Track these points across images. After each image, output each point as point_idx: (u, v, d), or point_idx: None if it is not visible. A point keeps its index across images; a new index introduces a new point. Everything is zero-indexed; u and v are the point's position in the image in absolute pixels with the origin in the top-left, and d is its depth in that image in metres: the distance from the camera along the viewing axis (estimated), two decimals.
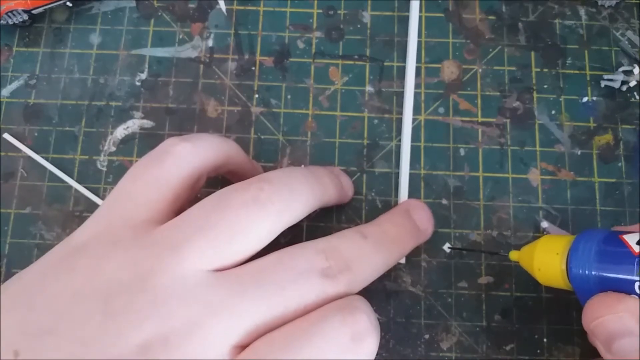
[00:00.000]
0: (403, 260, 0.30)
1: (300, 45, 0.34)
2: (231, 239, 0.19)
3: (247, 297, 0.18)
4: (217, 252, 0.18)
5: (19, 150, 0.32)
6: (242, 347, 0.18)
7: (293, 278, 0.19)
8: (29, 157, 0.32)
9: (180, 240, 0.18)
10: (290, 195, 0.21)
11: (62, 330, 0.16)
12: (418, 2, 0.34)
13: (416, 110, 0.32)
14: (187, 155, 0.21)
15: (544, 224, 0.30)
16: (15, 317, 0.16)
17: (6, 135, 0.32)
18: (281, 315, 0.18)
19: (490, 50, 0.33)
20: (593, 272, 0.22)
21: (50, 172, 0.31)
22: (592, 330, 0.22)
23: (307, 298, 0.19)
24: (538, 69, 0.33)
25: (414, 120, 0.32)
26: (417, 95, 0.33)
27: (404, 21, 0.34)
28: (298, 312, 0.18)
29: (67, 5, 0.34)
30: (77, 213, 0.31)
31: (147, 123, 0.32)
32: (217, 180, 0.30)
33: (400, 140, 0.32)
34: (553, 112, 0.32)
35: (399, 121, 0.32)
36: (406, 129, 0.32)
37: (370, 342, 0.19)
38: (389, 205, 0.31)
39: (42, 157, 0.32)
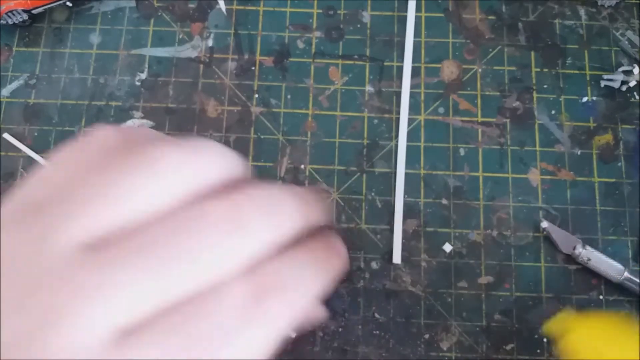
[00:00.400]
0: (398, 261, 0.30)
1: (300, 45, 0.34)
2: (115, 205, 0.17)
3: (125, 269, 0.16)
4: (96, 223, 0.17)
5: (19, 150, 0.32)
6: (128, 331, 0.16)
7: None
8: (29, 157, 0.32)
9: (57, 212, 0.17)
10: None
11: None
12: (415, 2, 0.34)
13: (416, 110, 0.32)
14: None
15: (544, 224, 0.30)
16: None
17: (6, 135, 0.32)
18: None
19: (490, 50, 0.33)
20: None
21: None
22: None
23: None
24: (538, 69, 0.33)
25: (414, 120, 0.32)
26: (417, 95, 0.33)
27: (404, 21, 0.34)
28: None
29: (67, 5, 0.34)
30: None
31: (147, 123, 0.32)
32: None
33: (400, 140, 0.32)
34: (553, 112, 0.32)
35: (399, 121, 0.32)
36: (402, 128, 0.32)
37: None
38: (389, 204, 0.31)
39: (42, 156, 0.32)
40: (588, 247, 0.29)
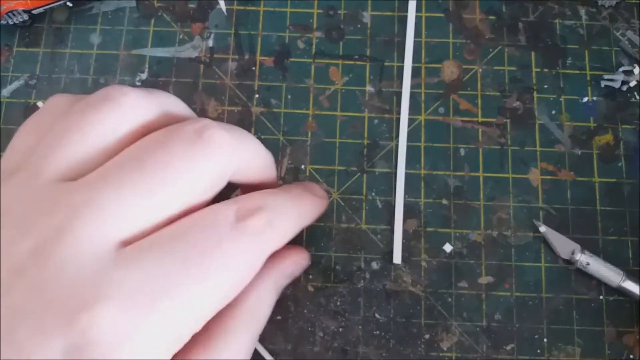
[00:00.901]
0: (399, 261, 0.30)
1: (301, 45, 0.34)
2: (84, 140, 0.18)
3: (108, 186, 0.17)
4: (73, 157, 0.18)
5: None
6: (127, 242, 0.17)
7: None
8: None
9: (36, 158, 0.18)
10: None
11: None
12: (415, 2, 0.34)
13: (416, 110, 0.33)
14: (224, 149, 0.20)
15: (542, 229, 0.30)
16: None
17: (40, 104, 0.32)
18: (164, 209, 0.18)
19: (491, 50, 0.33)
20: None
21: None
22: None
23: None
24: (538, 69, 0.33)
25: (414, 120, 0.32)
26: (417, 96, 0.33)
27: (404, 21, 0.34)
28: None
29: (68, 6, 0.34)
30: None
31: None
32: None
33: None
34: (553, 112, 0.32)
35: (399, 121, 0.32)
36: (403, 128, 0.32)
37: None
38: (389, 204, 0.31)
39: None
40: (587, 252, 0.29)
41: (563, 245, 0.30)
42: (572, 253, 0.29)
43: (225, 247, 0.18)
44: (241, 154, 0.21)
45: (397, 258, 0.30)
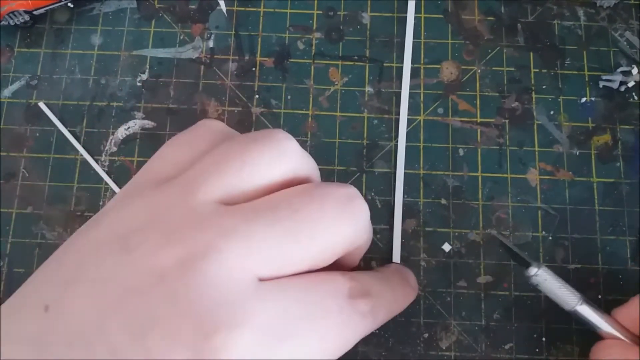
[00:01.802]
0: (398, 260, 0.30)
1: (301, 46, 0.34)
2: (242, 170, 0.19)
3: (260, 222, 0.18)
4: (230, 184, 0.19)
5: (20, 150, 0.32)
6: (264, 278, 0.18)
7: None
8: (31, 157, 0.32)
9: (193, 176, 0.19)
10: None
11: (84, 275, 0.16)
12: (414, 3, 0.34)
13: (415, 110, 0.33)
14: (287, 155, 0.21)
15: (534, 277, 0.26)
16: (47, 274, 0.17)
17: (41, 104, 0.33)
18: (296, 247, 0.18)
19: (489, 51, 0.34)
20: None
21: (52, 172, 0.32)
22: None
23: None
24: (537, 70, 0.33)
25: (413, 120, 0.33)
26: (416, 96, 0.33)
27: (403, 22, 0.34)
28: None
29: (69, 6, 0.34)
30: (79, 213, 0.31)
31: (148, 123, 0.33)
32: None
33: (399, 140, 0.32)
34: (552, 112, 0.33)
35: (399, 121, 0.32)
36: (402, 128, 0.32)
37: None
38: (388, 204, 0.31)
39: (44, 157, 0.32)
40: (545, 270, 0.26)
41: (562, 296, 0.26)
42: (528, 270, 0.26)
43: (343, 317, 0.19)
44: (367, 234, 0.22)
45: (396, 258, 0.30)
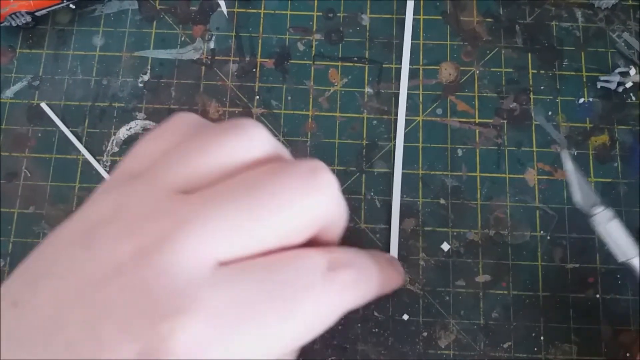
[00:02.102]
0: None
1: (301, 47, 0.34)
2: (204, 158, 0.19)
3: (217, 204, 0.18)
4: (191, 173, 0.19)
5: (22, 150, 0.32)
6: (225, 263, 0.18)
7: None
8: (32, 157, 0.32)
9: (157, 168, 0.19)
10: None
11: (49, 270, 0.17)
12: (413, 3, 0.34)
13: (414, 111, 0.33)
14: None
15: (568, 166, 0.25)
16: (21, 270, 0.18)
17: (43, 105, 0.33)
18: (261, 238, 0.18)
19: (488, 52, 0.34)
20: None
21: (54, 172, 0.32)
22: None
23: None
24: (535, 71, 0.33)
25: (412, 121, 0.33)
26: (415, 97, 0.33)
27: (403, 23, 0.34)
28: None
29: (70, 8, 0.34)
30: None
31: (150, 124, 0.33)
32: None
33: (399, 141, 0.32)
34: (550, 113, 0.33)
35: (397, 122, 0.33)
36: (400, 129, 0.32)
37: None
38: (388, 204, 0.31)
39: (46, 157, 0.32)
40: (609, 211, 0.25)
41: (585, 194, 0.25)
42: (593, 206, 0.25)
43: (314, 293, 0.18)
44: (339, 207, 0.22)
45: (393, 254, 0.30)
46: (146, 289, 0.16)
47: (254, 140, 0.20)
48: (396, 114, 0.33)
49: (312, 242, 0.22)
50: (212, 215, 0.18)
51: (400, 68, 0.33)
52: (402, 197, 0.31)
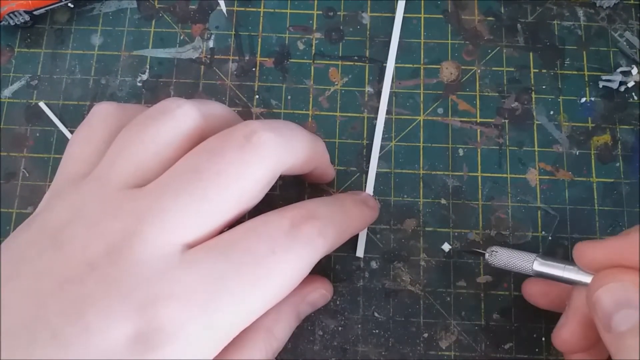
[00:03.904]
0: (361, 255, 0.30)
1: (301, 46, 0.34)
2: (144, 150, 0.20)
3: (169, 194, 0.19)
4: (136, 167, 0.20)
5: (20, 150, 0.32)
6: (191, 245, 0.19)
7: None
8: (31, 157, 0.32)
9: (102, 169, 0.20)
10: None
11: (20, 272, 0.18)
12: (404, 3, 0.34)
13: (415, 110, 0.33)
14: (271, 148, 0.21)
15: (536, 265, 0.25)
16: None
17: (41, 104, 0.33)
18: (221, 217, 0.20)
19: (489, 51, 0.34)
20: None
21: (52, 172, 0.32)
22: (593, 304, 0.20)
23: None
24: (536, 70, 0.33)
25: (413, 120, 0.33)
26: (416, 96, 0.33)
27: (404, 22, 0.34)
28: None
29: (69, 7, 0.34)
30: None
31: None
32: None
33: (399, 141, 0.32)
34: (551, 112, 0.33)
35: (398, 121, 0.33)
36: (379, 127, 0.32)
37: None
38: (388, 204, 0.31)
39: (45, 157, 0.32)
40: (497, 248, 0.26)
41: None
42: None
43: (278, 255, 0.19)
44: (293, 152, 0.22)
45: (360, 252, 0.30)
46: (122, 280, 0.17)
47: (179, 120, 0.21)
48: (397, 114, 0.33)
49: (308, 176, 0.25)
50: (168, 205, 0.19)
51: (401, 67, 0.33)
52: (402, 197, 0.31)
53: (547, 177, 0.32)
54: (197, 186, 0.19)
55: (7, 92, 0.33)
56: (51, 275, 0.17)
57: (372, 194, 0.31)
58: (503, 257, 0.25)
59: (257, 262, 0.19)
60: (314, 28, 0.34)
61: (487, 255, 0.26)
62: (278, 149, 0.21)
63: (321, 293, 0.27)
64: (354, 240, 0.31)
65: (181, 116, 0.21)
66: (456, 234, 0.31)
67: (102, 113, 0.23)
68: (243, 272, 0.19)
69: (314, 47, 0.34)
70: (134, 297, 0.17)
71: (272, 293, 0.19)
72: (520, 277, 0.30)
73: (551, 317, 0.30)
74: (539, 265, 0.24)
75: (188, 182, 0.19)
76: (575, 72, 0.33)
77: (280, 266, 0.19)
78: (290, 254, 0.20)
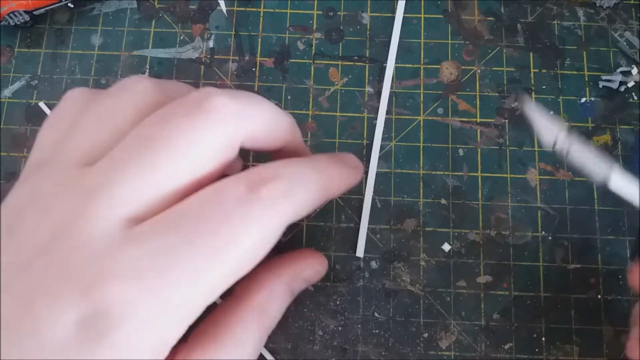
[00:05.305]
0: (361, 254, 0.30)
1: (300, 46, 0.34)
2: (97, 129, 0.20)
3: (116, 168, 0.18)
4: (89, 145, 0.19)
5: (21, 150, 0.32)
6: (142, 219, 0.18)
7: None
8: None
9: (59, 151, 0.20)
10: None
11: None
12: (404, 3, 0.34)
13: (415, 110, 0.33)
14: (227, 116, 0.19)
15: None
16: None
17: (41, 104, 0.33)
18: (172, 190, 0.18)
19: (489, 51, 0.34)
20: None
21: None
22: None
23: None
24: (536, 70, 0.33)
25: (413, 120, 0.33)
26: (416, 96, 0.33)
27: (404, 22, 0.34)
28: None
29: (69, 7, 0.34)
30: None
31: None
32: None
33: (399, 141, 0.32)
34: (551, 112, 0.33)
35: (398, 121, 0.33)
36: (379, 127, 0.32)
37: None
38: (388, 204, 0.31)
39: None
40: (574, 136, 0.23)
41: (547, 128, 0.23)
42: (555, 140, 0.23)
43: (234, 222, 0.18)
44: (251, 120, 0.20)
45: (360, 252, 0.30)
46: (69, 263, 0.17)
47: (137, 93, 0.20)
48: (397, 114, 0.33)
49: (280, 155, 0.22)
50: (114, 179, 0.18)
51: (401, 67, 0.33)
52: (402, 197, 0.31)
53: (547, 177, 0.32)
54: (145, 155, 0.18)
55: (7, 92, 0.33)
56: (5, 263, 0.17)
57: (372, 194, 0.31)
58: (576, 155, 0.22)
59: (212, 233, 0.17)
60: (314, 28, 0.34)
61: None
62: (233, 115, 0.19)
63: (316, 269, 0.25)
64: (354, 240, 0.31)
65: (140, 91, 0.20)
66: (456, 234, 0.31)
67: (73, 97, 0.22)
68: (196, 245, 0.17)
69: (314, 47, 0.34)
70: (78, 280, 0.16)
71: (232, 266, 0.18)
72: (520, 277, 0.30)
73: (551, 317, 0.30)
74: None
75: (137, 152, 0.18)
76: (575, 72, 0.33)
77: (238, 236, 0.17)
78: (248, 220, 0.18)
